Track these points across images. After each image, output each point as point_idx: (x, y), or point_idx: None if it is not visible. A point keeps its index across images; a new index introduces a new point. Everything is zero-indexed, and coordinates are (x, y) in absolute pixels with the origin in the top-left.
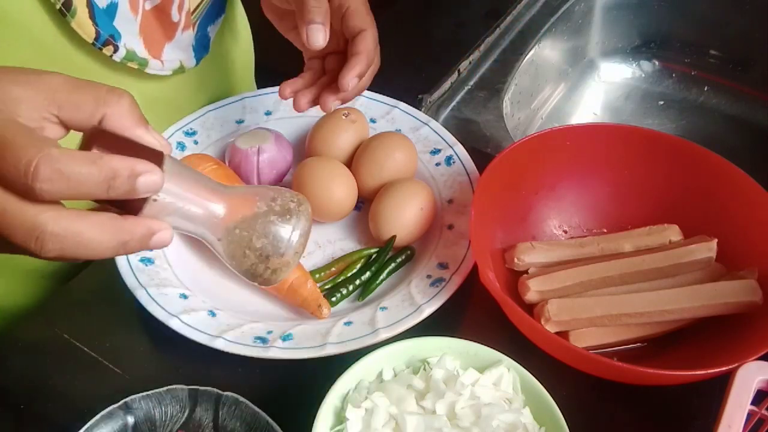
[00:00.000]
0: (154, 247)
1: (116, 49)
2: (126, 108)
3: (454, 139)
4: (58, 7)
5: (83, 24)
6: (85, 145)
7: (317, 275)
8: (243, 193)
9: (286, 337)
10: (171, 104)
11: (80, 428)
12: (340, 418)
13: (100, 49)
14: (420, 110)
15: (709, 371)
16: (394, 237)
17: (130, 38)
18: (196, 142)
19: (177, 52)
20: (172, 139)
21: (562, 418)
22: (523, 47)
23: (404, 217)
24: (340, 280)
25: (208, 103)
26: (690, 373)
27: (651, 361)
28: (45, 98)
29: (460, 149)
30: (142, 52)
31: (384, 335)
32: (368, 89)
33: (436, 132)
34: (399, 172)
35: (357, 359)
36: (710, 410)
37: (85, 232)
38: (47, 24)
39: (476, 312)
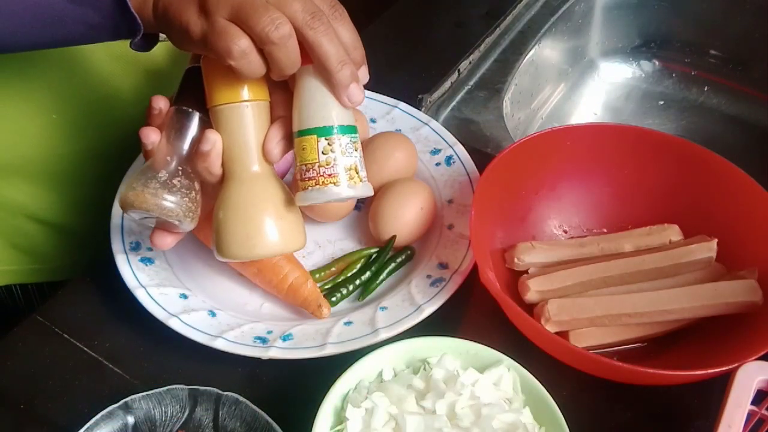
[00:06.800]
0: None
1: None
2: None
3: (454, 139)
4: None
5: None
6: None
7: (317, 275)
8: None
9: (286, 337)
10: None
11: (80, 428)
12: (340, 418)
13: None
14: (420, 110)
15: (709, 371)
16: (394, 237)
17: None
18: None
19: None
20: None
21: (562, 418)
22: (523, 47)
23: (404, 217)
24: (340, 280)
25: None
26: (690, 373)
27: (651, 361)
28: None
29: (460, 149)
30: None
31: (384, 335)
32: (368, 89)
33: (436, 132)
34: (399, 172)
35: (357, 359)
36: (710, 410)
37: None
38: None
39: (476, 312)
